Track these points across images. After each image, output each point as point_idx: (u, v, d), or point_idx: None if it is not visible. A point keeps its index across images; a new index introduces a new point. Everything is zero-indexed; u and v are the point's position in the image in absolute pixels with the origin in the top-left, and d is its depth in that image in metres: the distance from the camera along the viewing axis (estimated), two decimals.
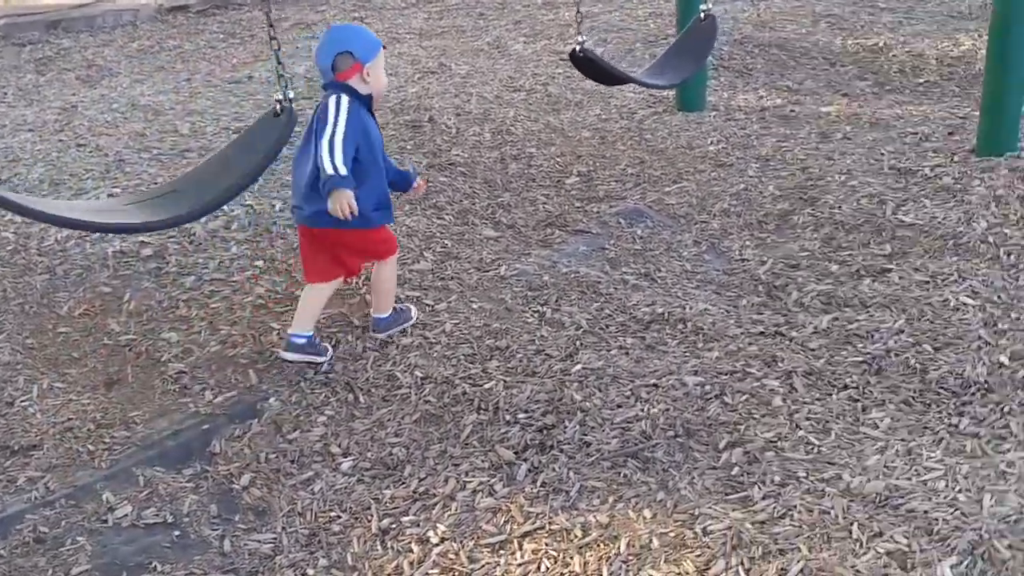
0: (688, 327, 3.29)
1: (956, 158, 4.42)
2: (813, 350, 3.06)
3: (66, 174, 4.70)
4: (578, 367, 3.07)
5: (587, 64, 3.60)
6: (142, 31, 8.46)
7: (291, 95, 2.95)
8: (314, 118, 3.05)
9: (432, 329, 3.40)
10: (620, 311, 3.48)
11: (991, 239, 3.67)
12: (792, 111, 5.47)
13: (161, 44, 7.84)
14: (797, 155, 4.77)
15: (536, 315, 3.48)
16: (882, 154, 4.63)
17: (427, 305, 3.57)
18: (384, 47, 3.15)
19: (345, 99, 2.99)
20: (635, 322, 3.39)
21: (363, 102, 3.07)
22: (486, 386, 3.02)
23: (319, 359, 3.25)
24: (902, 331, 3.12)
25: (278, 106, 2.96)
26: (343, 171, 2.89)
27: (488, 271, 3.88)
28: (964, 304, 3.25)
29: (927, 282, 3.45)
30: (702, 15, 4.23)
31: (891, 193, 4.18)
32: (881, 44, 7.02)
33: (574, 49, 3.55)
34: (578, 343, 3.24)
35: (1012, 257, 3.53)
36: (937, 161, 4.43)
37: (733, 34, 7.15)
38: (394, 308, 3.42)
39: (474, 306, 3.57)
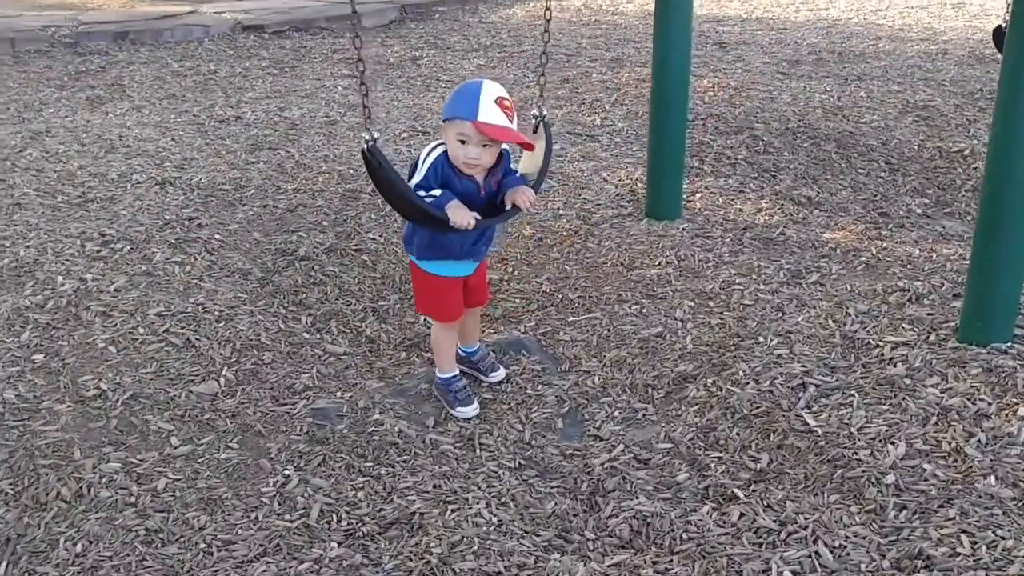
0: (422, 546, 2.55)
1: (933, 337, 3.37)
2: None
3: None
4: None
5: (372, 168, 2.80)
6: (201, 50, 8.32)
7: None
8: None
9: (130, 500, 2.81)
10: (373, 496, 2.78)
11: (893, 478, 2.70)
12: (783, 234, 4.49)
13: (199, 68, 7.64)
14: (744, 298, 3.85)
15: (276, 484, 2.83)
16: (847, 314, 3.62)
17: (169, 447, 2.99)
18: (471, 120, 2.81)
19: (432, 147, 2.96)
20: (374, 519, 2.68)
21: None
22: None
23: (450, 410, 3.25)
24: None
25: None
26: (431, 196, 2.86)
27: (284, 404, 3.27)
28: None
29: (772, 531, 2.54)
30: (533, 121, 3.22)
31: (819, 375, 3.23)
32: (967, 151, 5.86)
33: (363, 149, 2.77)
34: (276, 543, 2.57)
35: (904, 513, 2.55)
36: (905, 338, 3.38)
37: (790, 121, 6.16)
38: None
39: (222, 456, 2.96)
